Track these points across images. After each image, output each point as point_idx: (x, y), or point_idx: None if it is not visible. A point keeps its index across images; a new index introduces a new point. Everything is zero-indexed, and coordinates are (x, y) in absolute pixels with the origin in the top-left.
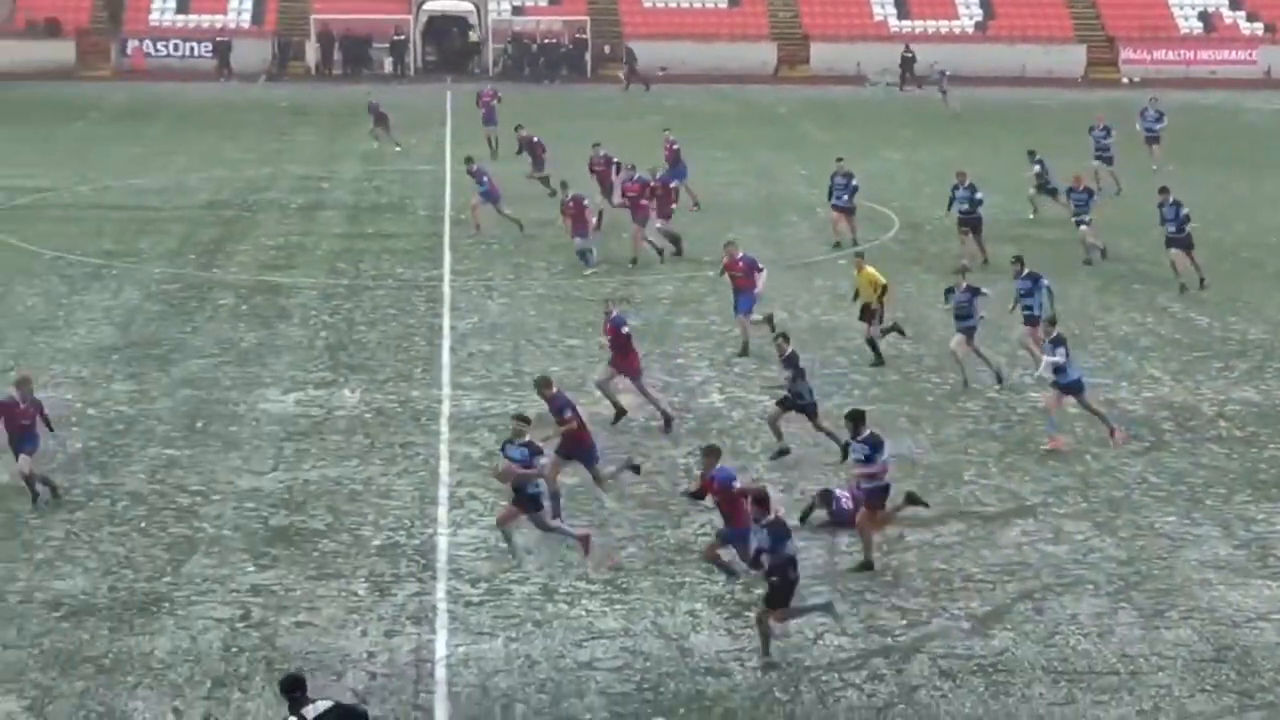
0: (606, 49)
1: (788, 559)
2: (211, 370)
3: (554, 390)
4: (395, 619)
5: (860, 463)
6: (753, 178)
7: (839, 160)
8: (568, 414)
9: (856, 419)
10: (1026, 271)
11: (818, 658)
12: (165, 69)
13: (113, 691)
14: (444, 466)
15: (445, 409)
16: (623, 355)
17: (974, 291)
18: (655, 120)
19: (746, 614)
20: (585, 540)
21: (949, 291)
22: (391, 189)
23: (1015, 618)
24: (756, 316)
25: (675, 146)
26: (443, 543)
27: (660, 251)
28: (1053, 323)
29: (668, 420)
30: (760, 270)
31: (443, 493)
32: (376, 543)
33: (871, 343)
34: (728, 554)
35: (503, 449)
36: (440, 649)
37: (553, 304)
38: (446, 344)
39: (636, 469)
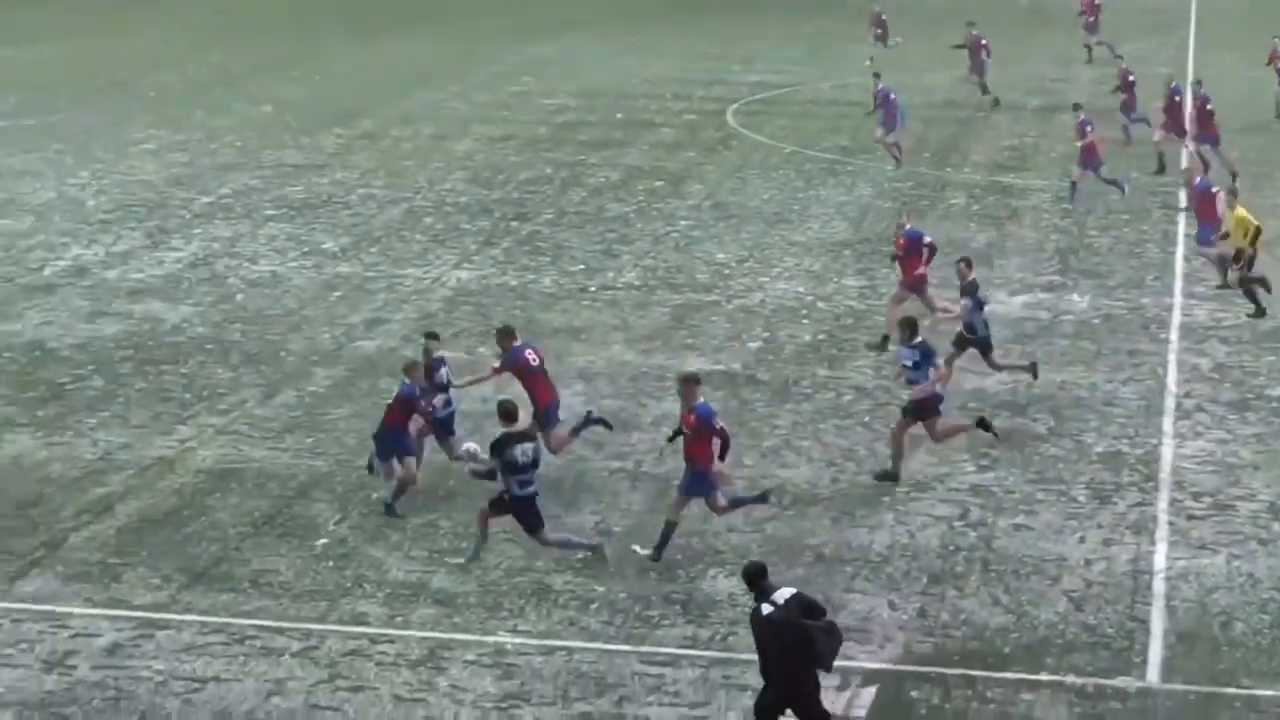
0: None
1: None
2: (940, 270)
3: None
4: (1114, 528)
5: (907, 369)
6: None
7: None
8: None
9: (909, 325)
10: None
11: None
12: None
13: (830, 580)
14: (1172, 376)
15: (1175, 318)
16: (908, 269)
17: None
18: None
19: None
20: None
21: None
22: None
23: None
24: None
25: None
26: (1167, 454)
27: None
28: None
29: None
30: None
31: (1169, 403)
32: (1099, 450)
33: (1247, 292)
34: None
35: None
36: (1160, 561)
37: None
38: (1180, 251)
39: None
